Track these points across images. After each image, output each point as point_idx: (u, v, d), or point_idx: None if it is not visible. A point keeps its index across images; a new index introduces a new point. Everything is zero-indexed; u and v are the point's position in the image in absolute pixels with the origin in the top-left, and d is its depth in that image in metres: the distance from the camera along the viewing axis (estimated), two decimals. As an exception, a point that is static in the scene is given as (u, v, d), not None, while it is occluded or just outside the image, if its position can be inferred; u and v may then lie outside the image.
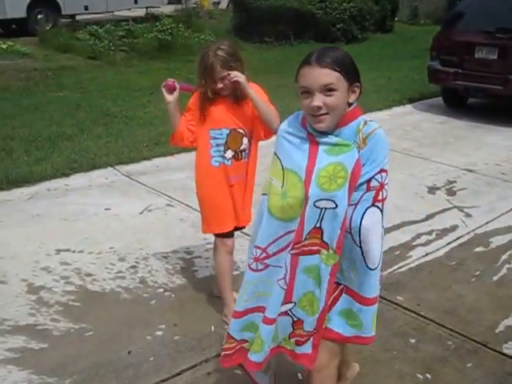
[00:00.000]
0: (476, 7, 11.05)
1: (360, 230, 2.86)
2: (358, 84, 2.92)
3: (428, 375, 4.06)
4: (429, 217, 6.66)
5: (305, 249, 2.97)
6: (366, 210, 2.85)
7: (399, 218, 6.55)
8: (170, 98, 4.33)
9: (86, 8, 19.81)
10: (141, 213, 6.68)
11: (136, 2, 21.55)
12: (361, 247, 2.89)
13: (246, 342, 3.25)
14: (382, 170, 2.87)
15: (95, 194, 7.20)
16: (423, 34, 20.73)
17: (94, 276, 5.34)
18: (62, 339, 4.45)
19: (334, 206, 2.84)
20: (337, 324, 3.07)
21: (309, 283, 3.00)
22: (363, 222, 2.85)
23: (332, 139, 2.89)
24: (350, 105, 2.91)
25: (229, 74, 4.18)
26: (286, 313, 3.09)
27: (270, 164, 3.12)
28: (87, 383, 3.99)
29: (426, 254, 5.81)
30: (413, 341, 4.43)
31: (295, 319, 3.09)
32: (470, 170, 8.20)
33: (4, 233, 6.15)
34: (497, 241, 6.11)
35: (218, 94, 4.30)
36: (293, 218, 2.95)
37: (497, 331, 4.58)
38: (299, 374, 4.00)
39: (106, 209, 6.77)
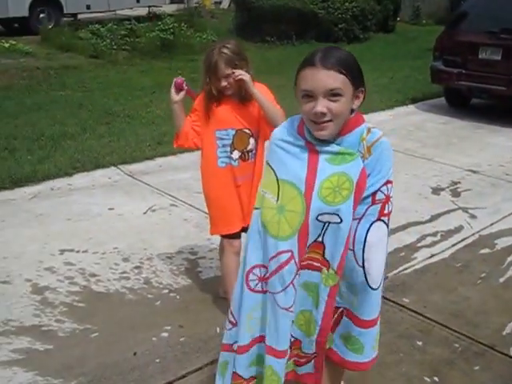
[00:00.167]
0: (480, 8, 11.02)
1: (365, 246, 2.69)
2: (362, 89, 2.73)
3: (435, 378, 4.04)
4: (433, 218, 6.64)
5: (304, 262, 2.78)
6: (372, 224, 2.69)
7: (404, 219, 6.53)
8: (176, 97, 4.31)
9: (88, 7, 19.81)
10: (144, 213, 6.66)
11: (138, 1, 21.54)
12: (363, 266, 2.71)
13: (255, 378, 3.03)
14: (387, 182, 2.70)
15: (99, 194, 7.18)
16: (425, 34, 20.74)
17: (99, 276, 5.32)
18: (67, 340, 4.43)
19: (339, 220, 2.66)
20: (338, 347, 2.92)
21: (307, 301, 2.83)
22: (368, 237, 2.69)
23: (334, 148, 2.70)
24: (352, 111, 2.72)
25: (233, 73, 4.16)
26: None
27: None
28: (93, 385, 3.99)
29: (431, 256, 5.79)
30: (419, 343, 4.41)
31: (292, 339, 2.91)
32: (474, 171, 8.18)
33: (8, 232, 6.13)
34: (502, 242, 6.09)
35: (223, 93, 4.28)
36: (288, 236, 2.73)
37: (504, 334, 4.56)
38: None
39: (109, 208, 6.75)
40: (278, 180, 2.79)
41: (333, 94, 2.59)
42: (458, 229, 6.37)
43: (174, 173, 7.92)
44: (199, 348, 4.35)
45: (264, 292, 2.87)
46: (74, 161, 8.11)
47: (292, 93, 2.76)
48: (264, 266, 2.84)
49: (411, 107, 12.10)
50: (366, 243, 2.69)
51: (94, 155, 8.35)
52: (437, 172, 8.15)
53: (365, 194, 2.67)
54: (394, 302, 4.91)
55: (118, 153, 8.52)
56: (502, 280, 5.38)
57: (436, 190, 7.47)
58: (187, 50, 16.59)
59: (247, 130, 4.32)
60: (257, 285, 2.89)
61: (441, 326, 4.62)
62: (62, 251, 5.76)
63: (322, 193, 2.68)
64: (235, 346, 3.01)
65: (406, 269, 5.53)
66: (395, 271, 5.45)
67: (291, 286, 2.78)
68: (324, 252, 2.74)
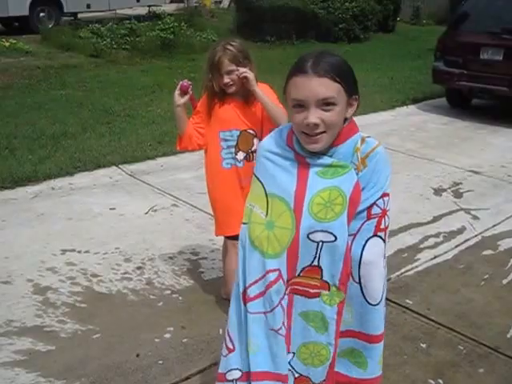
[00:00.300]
0: (481, 8, 11.01)
1: (360, 264, 2.51)
2: (356, 96, 2.54)
3: (440, 380, 4.02)
4: (436, 219, 6.62)
5: (299, 288, 2.57)
6: (367, 240, 2.51)
7: (406, 220, 6.51)
8: (180, 100, 4.29)
9: (89, 6, 19.79)
10: (146, 213, 6.64)
11: (138, 0, 21.52)
12: (360, 283, 2.54)
13: None
14: (384, 194, 2.51)
15: (100, 194, 7.16)
16: (425, 34, 20.77)
17: (100, 277, 5.30)
18: (70, 341, 4.41)
19: (333, 238, 2.46)
20: (341, 364, 2.69)
21: (309, 332, 2.60)
22: (364, 254, 2.50)
23: (326, 160, 2.51)
24: (345, 120, 2.53)
25: (238, 69, 4.15)
26: None
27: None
28: (96, 386, 3.97)
29: (434, 257, 5.77)
30: (423, 345, 4.39)
31: (296, 375, 2.68)
32: (476, 172, 8.16)
33: (9, 232, 6.11)
34: (505, 244, 6.08)
35: (225, 91, 4.27)
36: (277, 254, 2.54)
37: (508, 336, 4.55)
38: None
39: (110, 208, 6.73)
40: (266, 194, 2.61)
41: (326, 104, 2.40)
42: (461, 230, 6.35)
43: (175, 173, 7.90)
44: (202, 349, 4.33)
45: (257, 313, 2.62)
46: (74, 160, 8.09)
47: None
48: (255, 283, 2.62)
49: (412, 107, 12.08)
50: (362, 261, 2.51)
51: (94, 155, 8.32)
52: (438, 173, 8.13)
53: (359, 209, 2.50)
54: (397, 303, 4.90)
55: (118, 152, 8.50)
56: (505, 282, 5.36)
57: (438, 191, 7.45)
58: (187, 49, 16.58)
59: (251, 131, 4.31)
60: (256, 306, 2.63)
61: (445, 328, 4.60)
62: (64, 251, 5.74)
63: (312, 209, 2.49)
64: (233, 374, 2.71)
65: (408, 270, 5.51)
66: (398, 273, 5.44)
67: (279, 306, 2.58)
68: (322, 275, 2.53)
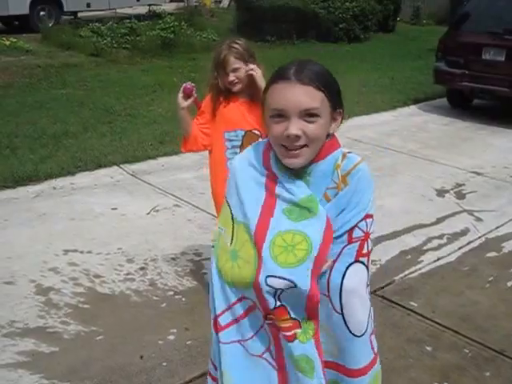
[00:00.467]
0: (483, 8, 10.99)
1: (341, 292, 2.30)
2: (340, 110, 2.36)
3: (446, 384, 4.02)
4: (439, 220, 6.60)
5: (279, 331, 2.36)
6: (348, 267, 2.30)
7: (409, 221, 6.51)
8: (184, 103, 4.26)
9: (89, 5, 19.76)
10: (148, 213, 6.61)
11: (138, -1, 21.56)
12: (342, 313, 2.33)
13: None
14: (366, 216, 2.33)
15: (101, 193, 7.13)
16: (425, 34, 20.76)
17: (103, 278, 5.28)
18: (73, 343, 4.39)
19: (293, 285, 2.24)
20: None
21: (299, 379, 2.37)
22: (345, 282, 2.29)
23: (294, 196, 2.30)
24: (327, 135, 2.34)
25: (245, 67, 4.14)
26: None
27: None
28: (99, 388, 3.95)
29: (438, 259, 5.75)
30: (429, 348, 4.37)
31: None
32: (478, 173, 8.13)
33: (10, 232, 6.09)
34: (509, 246, 6.06)
35: (230, 89, 4.25)
36: (244, 287, 2.34)
37: (513, 339, 4.53)
38: None
39: (112, 208, 6.71)
40: (233, 219, 2.42)
41: (309, 115, 2.21)
42: (464, 232, 6.33)
43: (177, 172, 7.87)
44: (206, 352, 4.29)
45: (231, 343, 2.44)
46: (76, 160, 8.06)
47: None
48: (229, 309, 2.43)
49: (413, 108, 12.05)
50: (343, 289, 2.30)
51: (96, 154, 8.29)
52: (440, 173, 8.10)
53: (339, 232, 2.30)
54: (401, 305, 4.89)
55: (120, 152, 8.47)
56: (510, 284, 5.34)
57: (440, 192, 7.42)
58: (188, 48, 16.54)
59: (256, 131, 4.29)
60: (229, 335, 2.44)
61: (450, 331, 4.58)
62: (66, 251, 5.71)
63: (273, 251, 2.28)
64: None
65: (412, 272, 5.50)
66: (401, 275, 5.42)
67: (261, 331, 2.41)
68: (289, 313, 2.32)
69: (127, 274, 5.34)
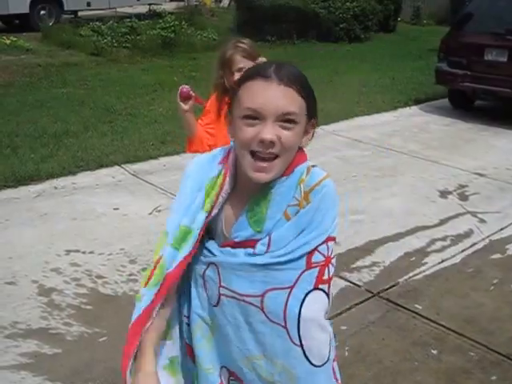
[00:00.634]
0: (486, 8, 10.96)
1: (299, 322, 2.03)
2: (315, 121, 2.13)
3: (452, 387, 3.99)
4: (442, 222, 6.57)
5: None
6: (307, 294, 2.03)
7: (412, 223, 6.48)
8: (185, 106, 4.20)
9: (89, 4, 19.72)
10: (150, 213, 6.58)
11: (138, -2, 21.54)
12: (301, 345, 2.05)
13: None
14: (328, 239, 2.07)
15: (103, 193, 7.10)
16: (426, 35, 20.75)
17: (106, 278, 5.25)
18: (76, 344, 4.36)
19: None
20: None
21: None
22: (303, 311, 2.02)
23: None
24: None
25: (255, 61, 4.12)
26: None
27: None
28: (103, 391, 3.92)
29: (442, 261, 5.73)
30: (434, 351, 4.34)
31: None
32: (481, 174, 8.11)
33: (12, 232, 6.06)
34: (513, 248, 6.05)
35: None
36: None
37: (519, 342, 4.51)
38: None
39: (114, 208, 6.68)
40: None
41: (287, 120, 1.97)
42: (468, 233, 6.31)
43: (179, 172, 7.72)
44: (210, 353, 4.27)
45: None
46: (77, 159, 8.03)
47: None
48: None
49: (414, 108, 12.01)
50: (301, 318, 2.03)
51: (97, 154, 8.26)
52: (443, 175, 8.07)
53: (296, 254, 2.03)
54: (406, 308, 4.87)
55: (121, 152, 8.44)
56: (514, 286, 5.33)
57: (443, 193, 7.39)
58: (188, 48, 16.52)
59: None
60: None
61: (455, 334, 4.56)
62: (68, 252, 5.68)
63: None
64: None
65: (416, 274, 5.47)
66: (406, 276, 5.40)
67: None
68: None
69: (130, 275, 5.31)
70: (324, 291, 2.07)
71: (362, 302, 4.99)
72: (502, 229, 6.43)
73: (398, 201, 7.10)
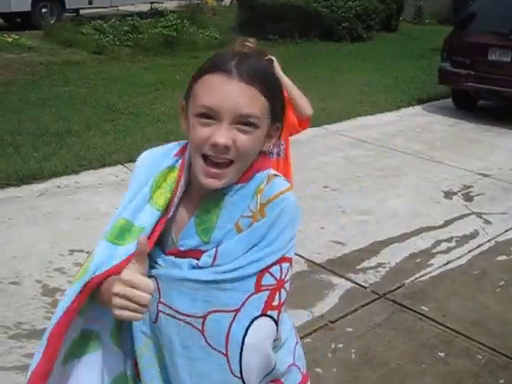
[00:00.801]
0: (489, 8, 10.92)
1: (242, 351, 1.78)
2: (279, 125, 1.89)
3: (460, 391, 3.96)
4: (447, 223, 6.54)
5: None
6: (253, 321, 1.77)
7: (417, 223, 6.46)
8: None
9: (90, 2, 19.67)
10: (153, 213, 6.54)
11: (140, -4, 21.52)
12: (242, 377, 1.79)
13: None
14: (283, 259, 1.82)
15: (106, 192, 7.07)
16: (428, 34, 20.72)
17: (110, 279, 5.21)
18: (80, 345, 4.32)
19: None
20: None
21: None
22: (247, 340, 1.76)
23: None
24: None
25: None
26: None
27: None
28: (108, 393, 3.88)
29: (447, 263, 5.70)
30: (441, 354, 4.32)
31: None
32: (486, 175, 8.08)
33: (15, 231, 6.02)
34: (519, 249, 6.01)
35: None
36: None
37: (527, 345, 4.48)
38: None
39: (117, 208, 6.62)
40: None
41: (245, 123, 1.73)
42: (473, 234, 6.28)
43: (182, 172, 7.79)
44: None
45: None
46: (80, 158, 7.99)
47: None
48: None
49: (417, 108, 11.97)
50: (244, 347, 1.77)
51: (100, 153, 8.22)
52: (447, 175, 8.04)
53: (243, 273, 1.78)
54: (413, 310, 4.84)
55: (124, 151, 8.40)
56: (521, 288, 5.30)
57: (448, 194, 7.36)
58: (190, 46, 16.47)
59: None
60: None
61: (462, 336, 4.53)
62: (72, 251, 5.65)
63: None
64: None
65: (422, 276, 5.44)
66: (412, 278, 5.37)
67: None
68: None
69: (134, 275, 5.27)
70: (273, 318, 1.81)
71: (367, 304, 4.96)
72: (507, 230, 6.40)
73: (403, 201, 7.07)
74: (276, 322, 1.81)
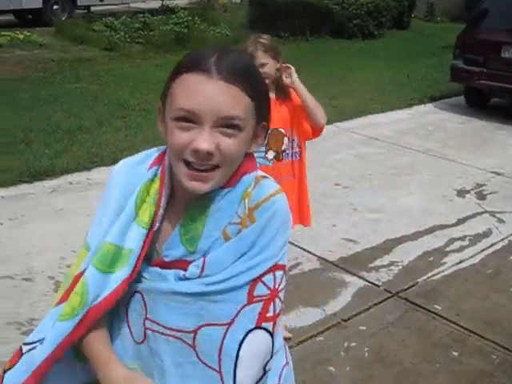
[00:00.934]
0: (502, 5, 10.85)
1: (237, 363, 1.66)
2: (266, 123, 1.78)
3: (474, 390, 3.94)
4: (460, 221, 6.51)
5: None
6: (247, 334, 1.67)
7: (430, 222, 6.43)
8: None
9: (102, -1, 19.77)
10: (165, 210, 6.54)
11: (151, -7, 21.53)
12: None
13: None
14: (276, 267, 1.71)
15: (118, 190, 7.05)
16: (440, 31, 20.62)
17: (122, 276, 5.21)
18: (93, 342, 4.32)
19: None
20: None
21: None
22: (241, 354, 1.66)
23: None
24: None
25: (274, 62, 4.07)
26: None
27: None
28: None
29: (461, 261, 5.67)
30: (455, 353, 4.29)
31: None
32: (499, 173, 8.03)
33: (28, 227, 6.03)
34: (532, 249, 5.98)
35: None
36: None
37: (541, 345, 4.45)
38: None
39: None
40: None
41: (228, 125, 1.62)
42: (487, 233, 6.25)
43: (194, 169, 7.78)
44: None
45: None
46: (91, 155, 7.99)
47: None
48: None
49: (429, 106, 11.92)
50: (239, 362, 1.66)
51: (111, 149, 8.22)
52: (460, 173, 8.00)
53: (234, 283, 1.68)
54: (426, 309, 4.82)
55: (135, 148, 8.36)
56: (534, 288, 5.27)
57: (461, 192, 7.33)
58: (201, 43, 16.37)
59: (282, 130, 4.20)
60: None
61: (475, 336, 4.51)
62: (84, 248, 5.64)
63: None
64: None
65: (435, 274, 5.42)
66: (425, 276, 5.35)
67: None
68: None
69: (146, 273, 5.27)
70: (268, 331, 1.71)
71: (380, 302, 4.94)
72: (520, 229, 6.37)
73: (415, 199, 7.05)
74: (271, 335, 1.72)
